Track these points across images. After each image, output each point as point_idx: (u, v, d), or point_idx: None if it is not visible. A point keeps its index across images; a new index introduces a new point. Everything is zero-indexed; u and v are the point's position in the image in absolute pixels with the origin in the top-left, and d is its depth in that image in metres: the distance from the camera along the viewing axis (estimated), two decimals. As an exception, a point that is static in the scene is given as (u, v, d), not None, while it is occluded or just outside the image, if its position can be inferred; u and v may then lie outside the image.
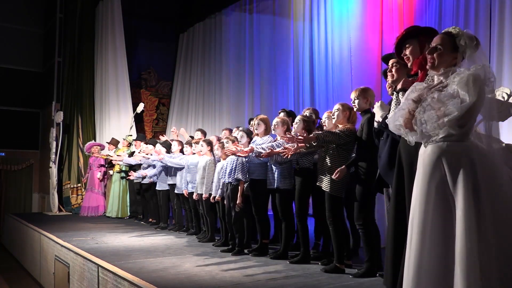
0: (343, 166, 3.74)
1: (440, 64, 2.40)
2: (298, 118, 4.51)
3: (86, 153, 9.37)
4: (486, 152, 2.24)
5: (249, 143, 5.12)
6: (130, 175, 7.58)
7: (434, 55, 2.41)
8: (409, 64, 2.90)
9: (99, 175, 8.90)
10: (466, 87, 2.23)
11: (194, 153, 6.14)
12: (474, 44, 2.35)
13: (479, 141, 2.28)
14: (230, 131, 6.10)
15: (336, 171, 3.73)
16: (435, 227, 2.22)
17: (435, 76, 2.46)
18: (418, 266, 2.22)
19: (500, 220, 2.17)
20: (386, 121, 2.95)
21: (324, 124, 4.41)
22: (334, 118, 4.07)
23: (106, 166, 8.94)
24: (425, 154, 2.33)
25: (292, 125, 4.68)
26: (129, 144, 8.64)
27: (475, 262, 2.08)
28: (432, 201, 2.25)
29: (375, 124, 3.34)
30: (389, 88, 3.38)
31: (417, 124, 2.31)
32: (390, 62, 3.17)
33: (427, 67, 2.48)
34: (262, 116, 5.17)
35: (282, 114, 5.24)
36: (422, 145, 2.38)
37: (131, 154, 8.40)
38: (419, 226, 2.26)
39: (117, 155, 8.33)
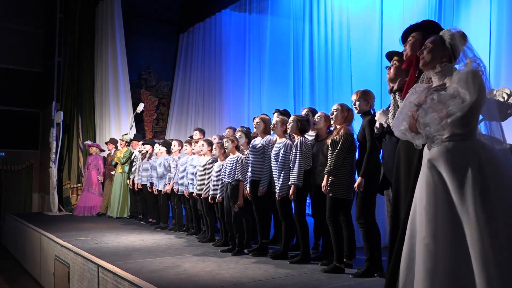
0: (360, 178, 3.72)
1: (432, 61, 2.41)
2: (292, 118, 4.53)
3: (87, 149, 9.40)
4: (492, 151, 2.21)
5: (248, 143, 5.14)
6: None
7: (424, 52, 2.42)
8: (404, 55, 2.89)
9: (99, 178, 8.90)
10: (466, 85, 2.21)
11: (194, 153, 6.14)
12: (460, 35, 2.36)
13: (485, 140, 2.25)
14: (234, 130, 6.09)
15: (357, 185, 3.73)
16: (446, 230, 2.16)
17: (432, 76, 2.45)
18: (432, 270, 2.15)
19: (509, 220, 2.13)
20: (389, 121, 2.95)
21: (315, 123, 4.47)
22: (332, 118, 4.11)
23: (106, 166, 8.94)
24: (431, 155, 2.28)
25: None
26: (128, 144, 8.65)
27: (491, 264, 2.04)
28: (441, 203, 2.19)
29: (375, 130, 3.34)
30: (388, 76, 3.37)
31: (421, 127, 2.27)
32: (392, 59, 3.15)
33: (420, 66, 2.48)
34: (263, 115, 5.20)
35: (276, 115, 5.28)
36: (426, 146, 2.35)
37: (131, 154, 8.41)
38: (428, 229, 2.18)
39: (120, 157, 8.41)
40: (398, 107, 2.79)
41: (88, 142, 9.43)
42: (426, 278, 2.15)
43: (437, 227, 2.18)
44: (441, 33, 2.45)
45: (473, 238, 2.09)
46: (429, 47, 2.42)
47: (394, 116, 2.82)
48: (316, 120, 4.46)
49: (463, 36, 2.38)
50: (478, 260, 2.07)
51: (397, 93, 2.85)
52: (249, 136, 5.27)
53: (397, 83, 2.89)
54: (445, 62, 2.39)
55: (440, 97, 2.25)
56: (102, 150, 9.25)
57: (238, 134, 5.25)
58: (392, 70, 3.10)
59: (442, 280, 2.13)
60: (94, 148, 9.15)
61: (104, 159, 9.17)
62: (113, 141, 8.96)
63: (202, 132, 7.12)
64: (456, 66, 2.41)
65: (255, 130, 5.06)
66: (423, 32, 2.78)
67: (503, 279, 2.04)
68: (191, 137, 7.12)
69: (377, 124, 3.31)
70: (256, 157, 4.83)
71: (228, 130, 6.32)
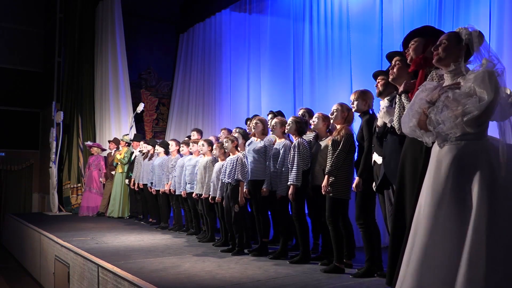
0: (358, 178, 3.73)
1: (446, 58, 2.38)
2: (291, 119, 4.54)
3: (88, 149, 9.42)
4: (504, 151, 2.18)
5: (245, 144, 5.15)
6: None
7: (439, 48, 2.40)
8: (408, 60, 2.90)
9: (101, 179, 8.92)
10: (482, 84, 2.18)
11: (191, 153, 6.14)
12: (477, 35, 2.33)
13: (493, 141, 2.24)
14: (229, 131, 6.10)
15: (355, 185, 3.73)
16: (448, 227, 2.16)
17: (445, 74, 2.43)
18: (421, 262, 2.17)
19: None
20: (394, 123, 2.94)
21: (313, 124, 4.47)
22: (332, 118, 4.11)
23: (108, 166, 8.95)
24: (440, 154, 2.28)
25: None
26: (128, 144, 8.65)
27: (480, 262, 2.03)
28: (447, 200, 2.19)
29: (377, 128, 3.33)
30: (377, 90, 3.43)
31: (433, 124, 2.26)
32: (394, 60, 3.15)
33: (434, 62, 2.46)
34: (260, 117, 5.20)
35: (270, 116, 5.28)
36: (435, 145, 2.33)
37: (131, 155, 8.41)
38: (427, 225, 2.20)
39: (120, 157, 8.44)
40: (403, 108, 2.79)
41: (89, 143, 9.44)
42: (416, 269, 2.18)
43: (438, 224, 2.18)
44: (457, 30, 2.41)
45: (469, 233, 2.09)
46: (445, 44, 2.39)
47: (399, 118, 2.83)
48: (314, 121, 4.46)
49: (480, 36, 2.35)
50: (467, 257, 2.06)
51: (403, 95, 2.85)
52: (246, 137, 5.29)
53: (402, 85, 2.89)
54: (459, 61, 2.36)
55: (455, 95, 2.23)
56: (104, 150, 9.25)
57: (235, 135, 5.26)
58: (395, 70, 3.10)
59: (430, 274, 2.15)
60: (96, 148, 9.16)
61: (105, 158, 9.17)
62: (116, 141, 8.96)
63: (200, 132, 7.13)
64: (469, 66, 2.39)
65: (252, 131, 5.05)
66: (425, 37, 2.80)
67: (487, 282, 2.02)
68: (189, 137, 7.13)
69: (379, 123, 3.30)
70: (258, 158, 4.83)
71: (223, 131, 6.32)
